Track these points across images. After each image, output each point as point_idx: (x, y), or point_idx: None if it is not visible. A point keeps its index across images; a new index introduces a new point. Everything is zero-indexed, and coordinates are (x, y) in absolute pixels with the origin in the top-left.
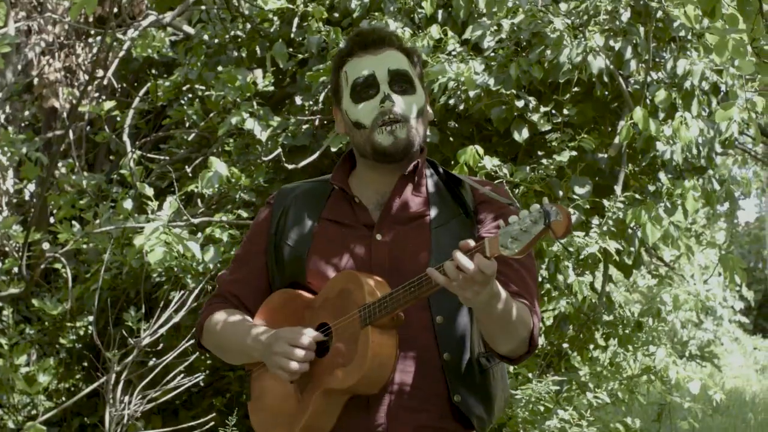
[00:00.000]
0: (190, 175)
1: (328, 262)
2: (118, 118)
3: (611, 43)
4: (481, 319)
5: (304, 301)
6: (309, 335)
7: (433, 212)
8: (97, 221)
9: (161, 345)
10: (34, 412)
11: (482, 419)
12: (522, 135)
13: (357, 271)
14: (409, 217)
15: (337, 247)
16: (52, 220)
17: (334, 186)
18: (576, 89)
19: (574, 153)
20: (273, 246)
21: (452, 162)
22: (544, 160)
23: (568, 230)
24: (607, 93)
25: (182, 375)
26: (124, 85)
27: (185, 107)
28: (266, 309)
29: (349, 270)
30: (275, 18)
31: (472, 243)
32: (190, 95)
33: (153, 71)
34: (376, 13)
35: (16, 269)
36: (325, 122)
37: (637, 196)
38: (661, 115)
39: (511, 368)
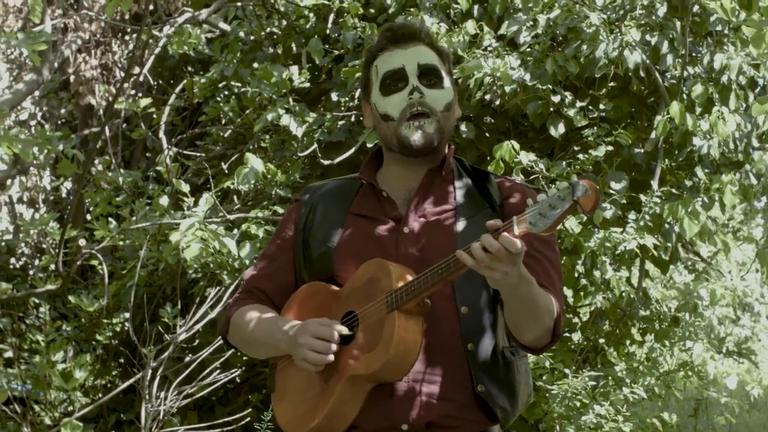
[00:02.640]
0: (226, 171)
1: (356, 255)
2: (154, 115)
3: (647, 37)
4: (509, 304)
5: (332, 292)
6: (333, 327)
7: (460, 207)
8: (134, 218)
9: (197, 341)
10: (70, 408)
11: (506, 411)
12: (558, 130)
13: (385, 260)
14: (437, 210)
15: (365, 241)
16: (88, 216)
17: (362, 182)
18: (612, 84)
19: (610, 148)
20: (301, 241)
21: (488, 157)
22: (580, 155)
23: (596, 205)
24: (643, 88)
25: (218, 371)
26: (160, 82)
27: (221, 104)
28: (294, 302)
29: (378, 258)
30: (311, 14)
31: (499, 222)
32: (226, 92)
33: (189, 68)
34: (412, 9)
35: (52, 266)
36: (361, 118)
37: (673, 191)
38: (698, 110)
39: (547, 363)
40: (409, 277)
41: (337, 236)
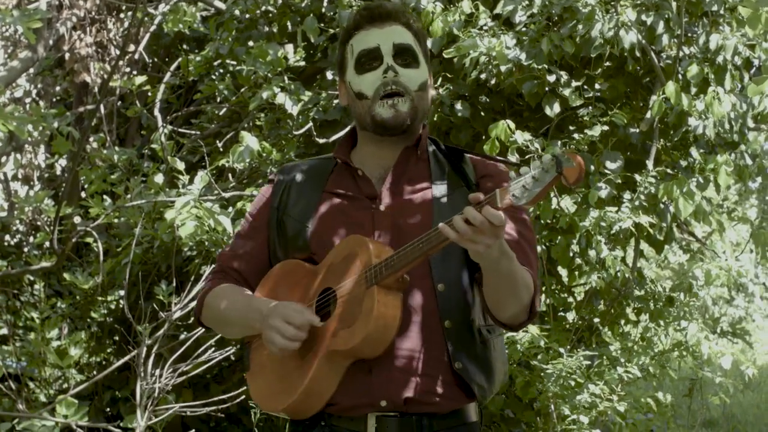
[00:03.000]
0: (221, 149)
1: (332, 233)
2: (150, 93)
3: (643, 17)
4: (489, 279)
5: (308, 270)
6: (305, 315)
7: (435, 184)
8: (129, 195)
9: (192, 319)
10: (65, 385)
11: (483, 388)
12: (553, 110)
13: (363, 236)
14: (412, 188)
15: (340, 218)
16: (83, 194)
17: (337, 161)
18: (608, 64)
19: (605, 128)
20: (276, 220)
21: (483, 137)
22: (575, 135)
23: (581, 177)
24: (639, 68)
25: (213, 349)
26: (156, 60)
27: (216, 82)
28: (269, 280)
29: (356, 235)
30: None
31: (481, 196)
32: (221, 70)
33: (184, 46)
34: None
35: (47, 243)
36: None
37: (668, 171)
38: (694, 90)
39: (542, 343)
40: (388, 253)
41: (313, 215)
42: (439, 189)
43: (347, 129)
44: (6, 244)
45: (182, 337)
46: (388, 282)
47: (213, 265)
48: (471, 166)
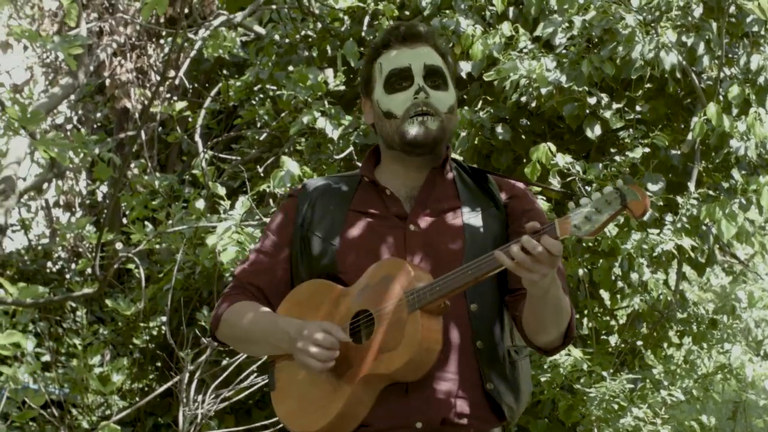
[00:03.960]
0: (262, 174)
1: (362, 252)
2: (190, 119)
3: (683, 38)
4: (536, 306)
5: (338, 290)
6: (335, 335)
7: (464, 204)
8: (170, 221)
9: None
10: (108, 412)
11: (512, 409)
12: (594, 132)
13: (402, 259)
14: (442, 209)
15: (369, 238)
16: (124, 220)
17: (361, 179)
18: (648, 86)
19: (647, 150)
20: (299, 237)
21: (524, 159)
22: (617, 157)
23: (647, 209)
24: (679, 89)
25: (255, 374)
26: (196, 85)
27: (256, 107)
28: (294, 299)
29: (394, 258)
30: (346, 17)
31: (538, 225)
32: (261, 95)
33: (224, 71)
34: (447, 11)
35: (89, 270)
36: None
37: (710, 192)
38: (735, 111)
39: (585, 366)
40: (425, 277)
41: (340, 233)
42: (469, 209)
43: (369, 152)
44: (48, 270)
45: (224, 362)
46: (431, 307)
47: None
48: (496, 186)
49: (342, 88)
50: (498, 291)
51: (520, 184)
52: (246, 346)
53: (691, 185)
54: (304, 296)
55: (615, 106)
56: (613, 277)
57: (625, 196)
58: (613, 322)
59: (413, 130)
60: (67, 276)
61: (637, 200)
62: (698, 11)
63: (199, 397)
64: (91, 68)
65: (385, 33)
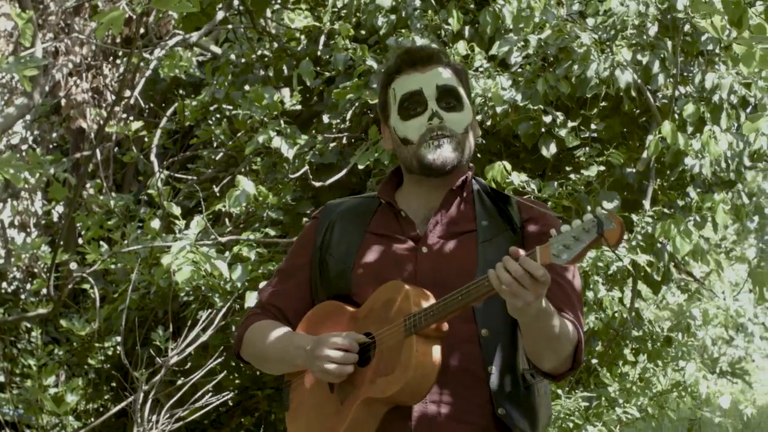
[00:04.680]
0: (218, 194)
1: (374, 274)
2: (146, 139)
3: (639, 57)
4: (527, 334)
5: (348, 313)
6: (350, 337)
7: (480, 227)
8: (125, 241)
9: (189, 364)
10: None
11: None
12: (550, 150)
13: (403, 282)
14: (456, 231)
15: (382, 260)
16: (80, 240)
17: (380, 201)
18: (603, 104)
19: (602, 168)
20: (318, 259)
21: (480, 178)
22: (572, 176)
23: (621, 238)
24: (635, 108)
25: (210, 394)
26: (152, 105)
27: (212, 127)
28: (309, 320)
29: (396, 281)
30: (302, 36)
31: (522, 252)
32: (217, 115)
33: (180, 91)
34: (403, 30)
35: (44, 290)
36: (353, 140)
37: (665, 210)
38: (690, 129)
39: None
40: (426, 300)
41: (355, 255)
42: (484, 232)
43: (346, 169)
44: (3, 291)
45: (179, 382)
46: (428, 331)
47: (210, 310)
48: (516, 210)
49: (298, 107)
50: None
51: (541, 205)
52: (265, 364)
53: (646, 203)
54: (318, 317)
55: (570, 124)
56: None
57: (602, 224)
58: None
59: (430, 155)
60: (22, 296)
61: (612, 229)
62: (653, 30)
63: (154, 417)
64: (47, 88)
65: (395, 58)
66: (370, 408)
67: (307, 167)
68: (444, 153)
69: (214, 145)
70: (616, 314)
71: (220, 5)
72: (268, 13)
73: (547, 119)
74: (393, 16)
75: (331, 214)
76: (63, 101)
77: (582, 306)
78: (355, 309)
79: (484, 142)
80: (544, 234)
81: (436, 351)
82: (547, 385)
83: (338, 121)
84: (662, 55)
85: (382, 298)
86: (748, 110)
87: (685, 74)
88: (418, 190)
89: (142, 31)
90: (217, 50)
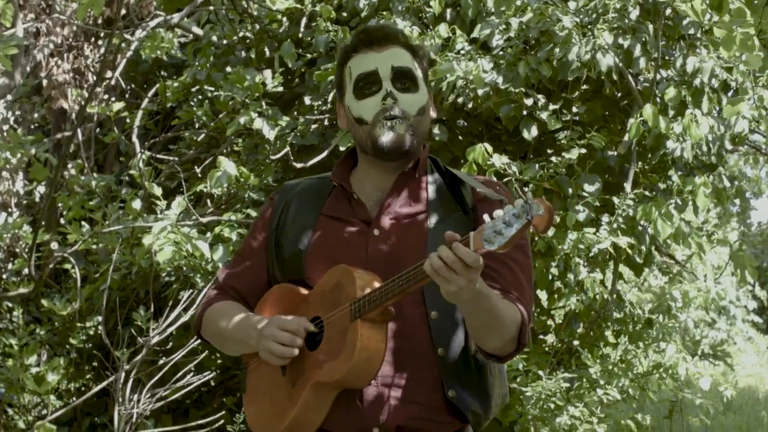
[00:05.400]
0: (200, 175)
1: (326, 257)
2: (127, 120)
3: (620, 41)
4: (467, 317)
5: (301, 296)
6: (298, 321)
7: (431, 209)
8: (107, 221)
9: (170, 344)
10: (44, 411)
11: (477, 414)
12: (531, 133)
13: (350, 266)
14: (407, 213)
15: (335, 243)
16: (61, 220)
17: (334, 184)
18: (585, 87)
19: (583, 151)
20: (273, 241)
21: (461, 160)
22: (553, 158)
23: (550, 224)
24: (616, 91)
25: (192, 374)
26: (133, 86)
27: (194, 108)
28: (265, 303)
29: (343, 265)
30: (284, 18)
31: (457, 236)
32: (199, 96)
33: (162, 72)
34: (384, 13)
35: (25, 270)
36: (334, 122)
37: (647, 193)
38: (671, 113)
39: (521, 365)
40: (375, 284)
41: (308, 238)
42: (435, 214)
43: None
44: None
45: (161, 362)
46: (372, 315)
47: (191, 290)
48: (469, 191)
49: (279, 89)
50: None
51: (493, 186)
52: (224, 344)
53: (628, 186)
54: (273, 300)
55: (552, 107)
56: (550, 277)
57: (531, 209)
58: (549, 322)
59: (383, 136)
60: (3, 276)
61: (540, 215)
62: (635, 14)
63: (135, 397)
64: (28, 69)
65: (352, 36)
66: (320, 392)
67: (288, 149)
68: (397, 136)
69: (196, 126)
70: (598, 296)
71: None
72: None
73: (529, 102)
74: None
75: (287, 194)
76: (44, 82)
77: (532, 287)
78: (307, 292)
79: (465, 124)
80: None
81: (381, 335)
82: (503, 365)
83: (320, 102)
84: (643, 39)
85: (332, 282)
86: (729, 94)
87: (667, 58)
88: (372, 171)
89: (123, 11)
90: (199, 32)
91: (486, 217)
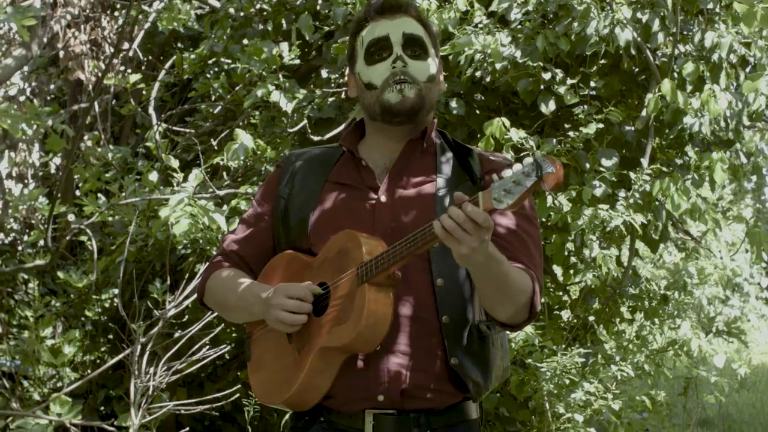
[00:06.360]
0: (216, 147)
1: (332, 224)
2: (144, 91)
3: (638, 15)
4: (478, 283)
5: (305, 262)
6: (305, 287)
7: (439, 178)
8: (123, 194)
9: (186, 317)
10: (59, 384)
11: (478, 384)
12: (549, 107)
13: (356, 231)
14: (415, 181)
15: (341, 209)
16: (77, 192)
17: (343, 150)
18: (603, 62)
19: (600, 125)
20: (281, 209)
21: (478, 134)
22: (570, 133)
23: (560, 182)
24: (634, 66)
25: (207, 347)
26: (150, 58)
27: (211, 80)
28: (269, 271)
29: (348, 230)
30: None
31: (466, 196)
32: (215, 68)
33: (178, 44)
34: None
35: (41, 242)
36: None
37: (664, 169)
38: (689, 88)
39: (537, 341)
40: (381, 249)
41: (315, 205)
42: (443, 183)
43: (348, 122)
44: (0, 242)
45: (177, 335)
46: (379, 279)
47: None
48: (478, 162)
49: (296, 61)
50: None
51: (503, 158)
52: (227, 312)
53: (645, 161)
54: (277, 267)
55: (569, 81)
56: (566, 253)
57: (541, 167)
58: (565, 297)
59: (391, 97)
60: (19, 248)
61: (550, 173)
62: None
63: (151, 370)
64: (45, 40)
65: (365, 6)
66: (327, 357)
67: (305, 121)
68: (405, 97)
69: (213, 98)
70: (611, 271)
71: None
72: None
73: (546, 76)
74: None
75: (294, 162)
76: (61, 53)
77: (541, 256)
78: (311, 258)
79: (482, 98)
80: None
81: (388, 299)
82: (505, 338)
83: (337, 75)
84: (662, 14)
85: (336, 247)
86: (748, 70)
87: (685, 33)
88: (380, 139)
89: None
90: (216, 3)
91: (495, 176)
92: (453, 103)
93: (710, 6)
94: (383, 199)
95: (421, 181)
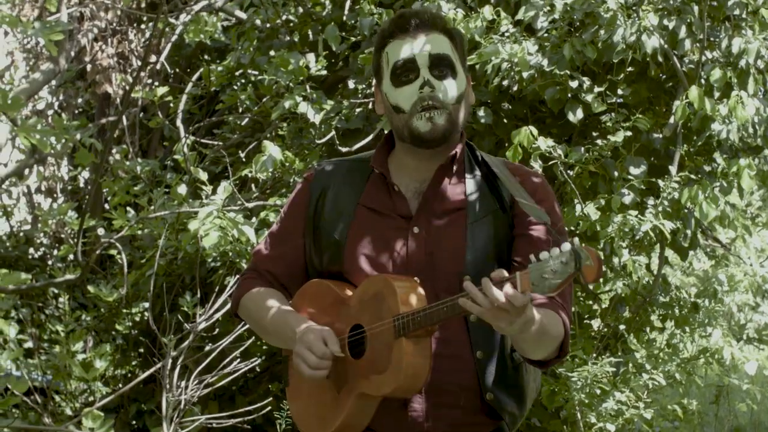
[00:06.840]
0: (244, 159)
1: (365, 252)
2: (171, 104)
3: (665, 22)
4: (513, 340)
5: (339, 298)
6: (327, 345)
7: (470, 206)
8: (152, 207)
9: (217, 330)
10: (91, 398)
11: (514, 415)
12: (576, 116)
13: (390, 276)
14: (446, 210)
15: (374, 238)
16: (106, 206)
17: (373, 169)
18: (630, 69)
19: (628, 133)
20: (312, 227)
21: (506, 143)
22: (598, 141)
23: (599, 275)
24: (661, 73)
25: (238, 360)
26: (177, 70)
27: (238, 92)
28: (302, 297)
29: (383, 275)
30: (327, 1)
31: (505, 273)
32: (242, 80)
33: (205, 56)
34: None
35: (71, 256)
36: None
37: (692, 176)
38: (717, 95)
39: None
40: (415, 299)
41: (347, 229)
42: (473, 210)
43: (377, 132)
44: (30, 257)
45: (207, 348)
46: (417, 333)
47: (237, 276)
48: (506, 183)
49: (323, 72)
50: None
51: (534, 178)
52: (264, 336)
53: (673, 169)
54: (312, 296)
55: (597, 89)
56: None
57: (580, 260)
58: (595, 306)
59: (421, 126)
60: (49, 262)
61: (589, 266)
62: None
63: (183, 383)
64: (72, 53)
65: (390, 21)
66: (365, 401)
67: (333, 133)
68: (435, 125)
69: (240, 110)
70: (641, 279)
71: None
72: None
73: (574, 84)
74: None
75: (324, 178)
76: (88, 67)
77: (571, 292)
78: (345, 294)
79: (510, 107)
80: (530, 217)
81: (427, 350)
82: None
83: (364, 86)
84: (689, 20)
85: (372, 291)
86: None
87: (712, 39)
88: (410, 160)
89: None
90: (242, 15)
91: (532, 257)
92: (480, 112)
93: (737, 12)
94: (416, 230)
95: (451, 209)
